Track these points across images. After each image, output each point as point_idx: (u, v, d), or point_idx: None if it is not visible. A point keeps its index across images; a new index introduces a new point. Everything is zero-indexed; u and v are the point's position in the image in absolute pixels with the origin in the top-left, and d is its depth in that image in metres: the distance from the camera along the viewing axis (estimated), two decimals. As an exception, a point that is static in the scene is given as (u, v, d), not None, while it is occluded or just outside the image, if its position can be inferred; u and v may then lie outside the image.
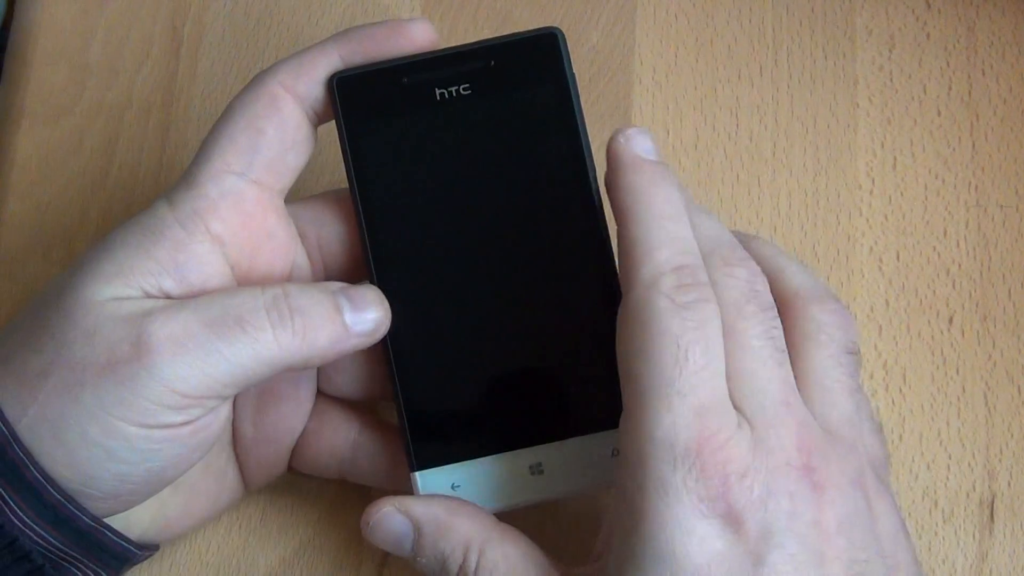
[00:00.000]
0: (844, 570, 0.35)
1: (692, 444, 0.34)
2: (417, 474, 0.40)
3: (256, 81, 0.40)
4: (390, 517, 0.39)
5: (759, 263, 0.39)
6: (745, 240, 0.41)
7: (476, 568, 0.38)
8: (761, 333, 0.37)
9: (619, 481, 0.36)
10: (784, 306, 0.39)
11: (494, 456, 0.40)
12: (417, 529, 0.39)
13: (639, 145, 0.38)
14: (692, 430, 0.34)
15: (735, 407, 0.36)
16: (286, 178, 0.40)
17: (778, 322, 0.38)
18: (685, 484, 0.34)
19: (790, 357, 0.38)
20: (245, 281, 0.39)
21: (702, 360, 0.35)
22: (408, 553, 0.39)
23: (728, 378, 0.36)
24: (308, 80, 0.40)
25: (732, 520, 0.34)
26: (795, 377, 0.37)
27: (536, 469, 0.40)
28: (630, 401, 0.36)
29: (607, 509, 0.38)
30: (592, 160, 0.40)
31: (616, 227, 0.38)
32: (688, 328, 0.35)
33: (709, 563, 0.34)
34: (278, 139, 0.39)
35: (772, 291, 0.38)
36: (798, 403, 0.37)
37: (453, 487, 0.40)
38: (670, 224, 0.37)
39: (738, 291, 0.37)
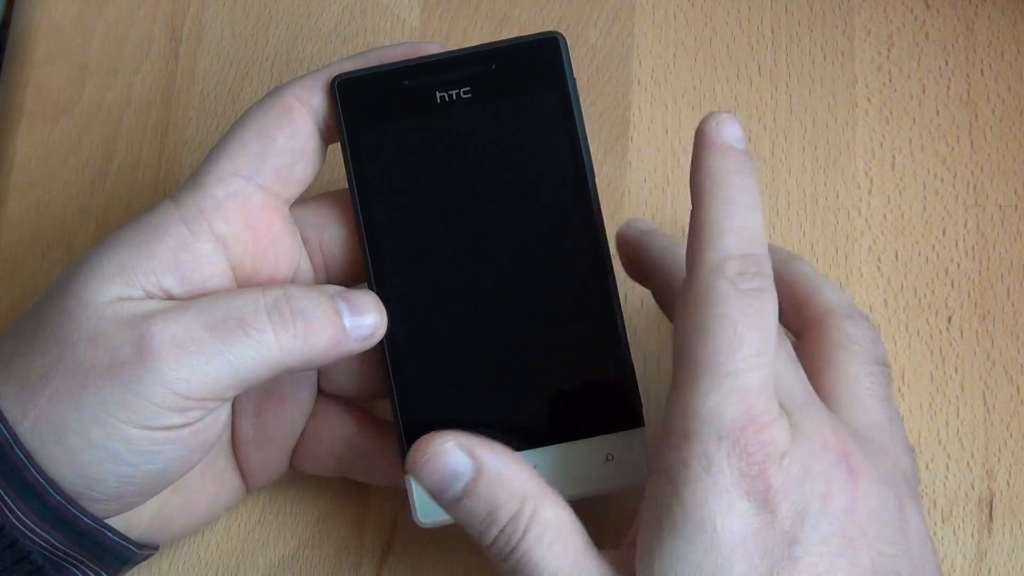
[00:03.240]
0: (872, 560, 0.35)
1: (738, 422, 0.35)
2: (411, 476, 0.40)
3: (272, 92, 0.40)
4: (450, 453, 0.38)
5: (797, 281, 0.41)
6: (787, 258, 0.42)
7: (529, 521, 0.37)
8: (778, 342, 0.37)
9: (658, 457, 0.36)
10: (817, 322, 0.40)
11: None
12: (478, 470, 0.38)
13: (730, 131, 0.38)
14: (738, 409, 0.35)
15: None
16: (293, 187, 0.40)
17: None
18: (728, 460, 0.34)
19: (822, 368, 0.39)
20: (247, 284, 0.39)
21: (757, 346, 0.35)
22: (455, 494, 0.38)
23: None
24: (323, 95, 0.40)
25: (770, 499, 0.34)
26: (826, 385, 0.39)
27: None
28: (681, 377, 0.36)
29: (642, 494, 0.38)
30: (592, 165, 0.40)
31: (691, 207, 0.37)
32: (747, 314, 0.35)
33: (745, 538, 0.34)
34: (288, 148, 0.39)
35: (807, 308, 0.40)
36: (823, 405, 0.38)
37: None
38: (744, 213, 0.37)
39: None
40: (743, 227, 0.36)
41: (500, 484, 0.37)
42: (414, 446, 0.38)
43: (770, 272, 0.36)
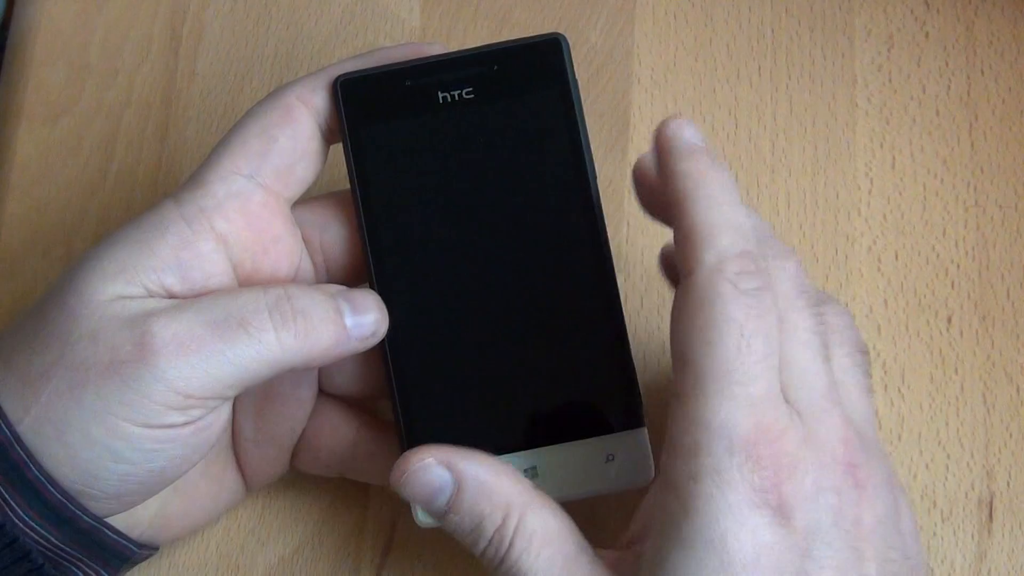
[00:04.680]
0: (878, 569, 0.35)
1: (749, 435, 0.34)
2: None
3: (274, 93, 0.40)
4: (430, 469, 0.38)
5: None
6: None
7: (514, 532, 0.37)
8: (812, 327, 0.37)
9: (666, 468, 0.36)
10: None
11: None
12: (459, 484, 0.37)
13: (690, 133, 0.38)
14: (750, 421, 0.34)
15: (785, 399, 0.35)
16: (294, 187, 0.40)
17: (825, 319, 0.38)
18: (741, 473, 0.34)
19: None
20: (247, 283, 0.39)
21: (763, 350, 0.34)
22: (441, 508, 0.38)
23: (779, 369, 0.36)
24: (325, 95, 0.40)
25: (783, 513, 0.34)
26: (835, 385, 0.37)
27: (531, 473, 0.40)
28: (686, 386, 0.35)
29: (644, 498, 0.38)
30: (593, 166, 0.40)
31: (674, 213, 0.37)
32: (752, 316, 0.34)
33: (759, 554, 0.34)
34: (290, 148, 0.39)
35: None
36: (838, 400, 0.37)
37: None
38: (730, 210, 0.36)
39: (790, 283, 0.37)
40: (733, 225, 0.36)
41: (482, 497, 0.37)
42: (397, 462, 0.38)
43: (766, 266, 0.36)
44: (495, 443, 0.40)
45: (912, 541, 0.37)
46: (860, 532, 0.35)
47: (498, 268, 0.40)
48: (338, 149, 0.41)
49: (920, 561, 0.37)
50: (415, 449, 0.38)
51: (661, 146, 0.37)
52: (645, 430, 0.40)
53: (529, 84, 0.40)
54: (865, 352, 0.39)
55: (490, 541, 0.37)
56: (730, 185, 0.37)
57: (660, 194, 0.38)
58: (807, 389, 0.36)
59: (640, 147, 0.49)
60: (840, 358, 0.38)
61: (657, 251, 0.44)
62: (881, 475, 0.36)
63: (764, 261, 0.36)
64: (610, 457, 0.40)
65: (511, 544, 0.37)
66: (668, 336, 0.46)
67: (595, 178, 0.40)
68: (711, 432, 0.34)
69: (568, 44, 0.41)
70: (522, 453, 0.40)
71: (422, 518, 0.40)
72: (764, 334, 0.35)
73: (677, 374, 0.36)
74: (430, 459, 0.38)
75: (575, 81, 0.40)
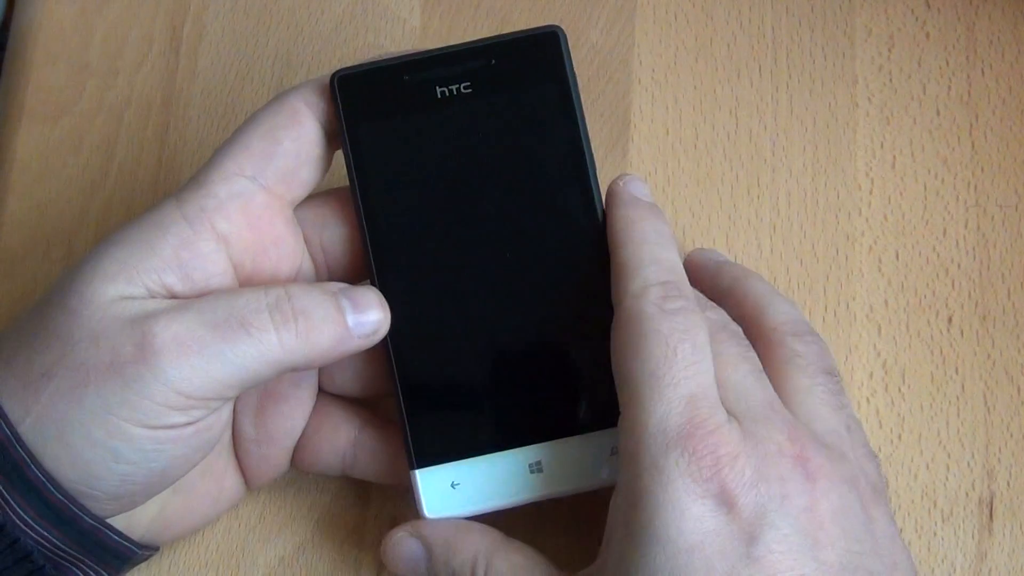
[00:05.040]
0: (838, 557, 0.35)
1: (684, 428, 0.36)
2: (417, 472, 0.40)
3: (279, 96, 0.40)
4: (403, 541, 0.41)
5: (748, 298, 0.42)
6: (741, 276, 0.43)
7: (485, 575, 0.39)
8: (739, 354, 0.39)
9: (620, 477, 0.37)
10: (765, 339, 0.41)
11: (494, 454, 0.40)
12: (429, 549, 0.40)
13: (636, 188, 0.41)
14: (683, 416, 0.36)
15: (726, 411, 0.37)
16: (297, 190, 0.40)
17: (752, 351, 0.40)
18: (678, 466, 0.35)
19: (774, 383, 0.39)
20: (248, 283, 0.39)
21: (691, 356, 0.37)
22: (424, 573, 0.41)
23: (716, 386, 0.37)
24: (328, 98, 0.40)
25: (725, 500, 0.35)
26: (780, 399, 0.39)
27: (535, 467, 0.40)
28: (625, 399, 0.37)
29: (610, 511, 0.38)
30: (593, 159, 0.40)
31: (612, 254, 0.40)
32: (676, 328, 0.37)
33: (702, 541, 0.35)
34: (294, 151, 0.39)
35: (755, 326, 0.41)
36: (783, 409, 0.38)
37: (453, 485, 0.40)
38: (658, 248, 0.39)
39: (712, 322, 0.39)
40: (658, 259, 0.39)
41: (453, 554, 0.40)
42: (381, 545, 0.41)
43: (691, 294, 0.39)
44: (499, 439, 0.40)
45: (887, 543, 0.37)
46: (814, 519, 0.35)
47: (499, 264, 0.40)
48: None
49: (900, 561, 0.37)
50: (392, 530, 0.41)
51: (607, 197, 0.41)
52: None
53: (527, 78, 0.40)
54: (833, 374, 0.41)
55: None
56: (663, 230, 0.40)
57: (714, 292, 0.43)
58: (744, 399, 0.38)
59: (640, 147, 0.49)
60: (801, 380, 0.40)
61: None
62: (840, 475, 0.37)
63: (689, 289, 0.39)
64: (614, 450, 0.40)
65: None
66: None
67: (595, 171, 0.40)
68: (648, 432, 0.36)
69: (566, 37, 0.41)
70: (526, 448, 0.40)
71: (429, 512, 0.41)
72: (691, 342, 0.37)
73: (619, 393, 0.38)
74: (401, 533, 0.41)
75: (573, 74, 0.40)
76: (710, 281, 0.43)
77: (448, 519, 0.41)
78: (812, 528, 0.35)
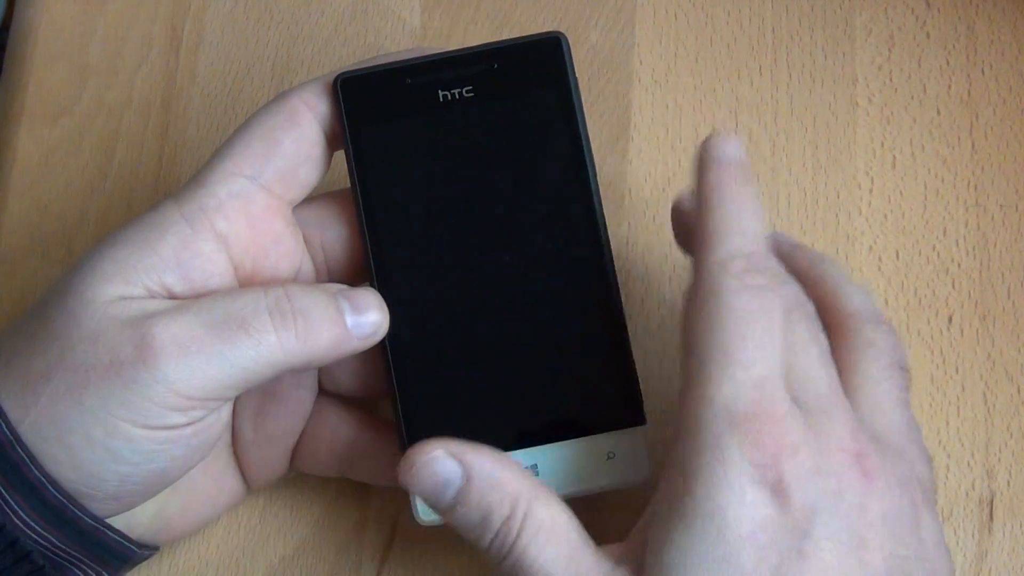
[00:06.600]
0: (884, 560, 0.35)
1: (750, 412, 0.35)
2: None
3: (280, 96, 0.40)
4: (439, 461, 0.38)
5: (824, 282, 0.41)
6: (816, 259, 0.42)
7: (522, 524, 0.37)
8: (810, 335, 0.38)
9: (672, 450, 0.36)
10: (839, 326, 0.40)
11: None
12: (467, 476, 0.37)
13: (727, 148, 0.39)
14: (751, 399, 0.35)
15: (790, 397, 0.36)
16: (296, 191, 0.40)
17: (823, 334, 0.39)
18: (740, 449, 0.34)
19: (843, 372, 0.38)
20: (248, 283, 0.39)
21: (765, 337, 0.36)
22: (448, 501, 0.38)
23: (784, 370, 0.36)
24: (330, 100, 0.40)
25: (781, 491, 0.34)
26: (846, 388, 0.38)
27: (532, 471, 0.40)
28: (691, 371, 0.36)
29: (655, 488, 0.38)
30: (594, 165, 0.40)
31: (698, 216, 0.39)
32: (754, 307, 0.36)
33: (755, 529, 0.34)
34: (293, 151, 0.40)
35: (831, 311, 0.40)
36: (846, 402, 0.37)
37: None
38: (747, 218, 0.38)
39: (788, 298, 0.38)
40: (745, 231, 0.37)
41: (491, 488, 0.37)
42: (404, 456, 0.38)
43: (776, 269, 0.37)
44: (496, 441, 0.40)
45: (934, 549, 0.37)
46: (864, 520, 0.35)
47: (498, 266, 0.40)
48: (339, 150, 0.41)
49: (942, 572, 0.37)
50: (422, 443, 0.38)
51: (700, 158, 0.39)
52: (646, 428, 0.40)
53: (529, 83, 0.40)
54: (904, 368, 0.40)
55: (497, 533, 0.37)
56: (754, 198, 0.38)
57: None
58: (810, 387, 0.37)
59: (640, 147, 0.49)
60: (871, 371, 0.39)
61: (657, 251, 0.44)
62: (896, 476, 0.36)
63: (775, 263, 0.37)
64: (611, 455, 0.40)
65: (518, 536, 0.37)
66: (668, 335, 0.47)
67: (596, 176, 0.40)
68: (713, 409, 0.35)
69: (568, 43, 0.41)
70: (523, 451, 0.40)
71: (422, 515, 0.40)
72: (766, 323, 0.36)
73: (684, 362, 0.37)
74: (440, 451, 0.38)
75: (575, 79, 0.40)
76: (784, 264, 0.41)
77: (488, 447, 0.38)
78: (862, 528, 0.35)
